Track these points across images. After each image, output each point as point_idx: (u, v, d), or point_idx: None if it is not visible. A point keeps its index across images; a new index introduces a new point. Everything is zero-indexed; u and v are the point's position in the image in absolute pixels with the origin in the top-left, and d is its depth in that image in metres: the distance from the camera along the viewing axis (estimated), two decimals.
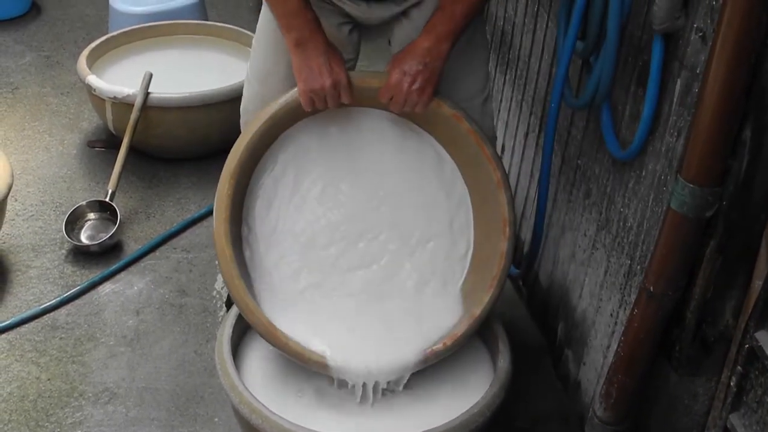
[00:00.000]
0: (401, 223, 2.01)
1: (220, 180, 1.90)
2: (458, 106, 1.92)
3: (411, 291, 1.99)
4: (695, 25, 1.57)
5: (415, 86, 1.84)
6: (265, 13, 2.00)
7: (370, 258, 2.00)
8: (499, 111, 2.89)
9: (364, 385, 1.89)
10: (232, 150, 1.91)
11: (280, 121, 1.93)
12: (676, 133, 1.66)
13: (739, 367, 1.57)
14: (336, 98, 1.86)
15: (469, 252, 2.03)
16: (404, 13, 1.95)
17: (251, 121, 1.94)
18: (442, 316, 1.96)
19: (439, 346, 1.91)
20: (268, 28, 2.00)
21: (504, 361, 1.94)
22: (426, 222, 2.01)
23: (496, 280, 1.92)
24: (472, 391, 1.91)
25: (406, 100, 1.86)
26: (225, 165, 1.90)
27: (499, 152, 2.33)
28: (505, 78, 2.84)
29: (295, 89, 1.88)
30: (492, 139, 2.06)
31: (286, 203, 1.99)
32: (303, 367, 1.92)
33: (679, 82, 1.64)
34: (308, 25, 1.83)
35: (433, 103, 1.89)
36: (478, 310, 1.92)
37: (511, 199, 1.94)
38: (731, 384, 1.60)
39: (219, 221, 1.88)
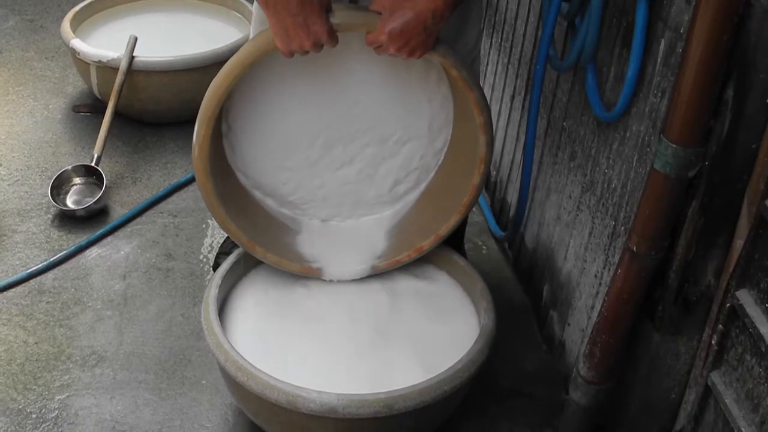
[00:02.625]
0: (381, 128, 2.01)
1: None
2: (448, 52, 1.80)
3: (385, 192, 2.11)
4: None
5: (407, 48, 1.70)
6: None
7: (348, 160, 2.05)
8: (485, 74, 2.88)
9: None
10: (207, 95, 1.84)
11: (258, 62, 1.83)
12: (659, 94, 1.67)
13: (720, 326, 1.59)
14: (319, 50, 1.72)
15: (445, 147, 2.08)
16: None
17: (226, 67, 1.82)
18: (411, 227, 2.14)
19: (404, 256, 2.11)
20: None
21: (488, 318, 1.96)
22: (406, 126, 2.01)
23: (465, 207, 2.05)
24: (457, 347, 1.92)
25: (391, 54, 1.74)
26: (202, 106, 1.85)
27: None
28: (491, 41, 2.84)
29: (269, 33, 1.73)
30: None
31: (269, 105, 1.96)
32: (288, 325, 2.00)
33: (663, 42, 1.64)
34: None
35: None
36: (443, 231, 2.08)
37: (491, 141, 1.94)
38: (712, 342, 1.62)
39: (200, 149, 1.88)
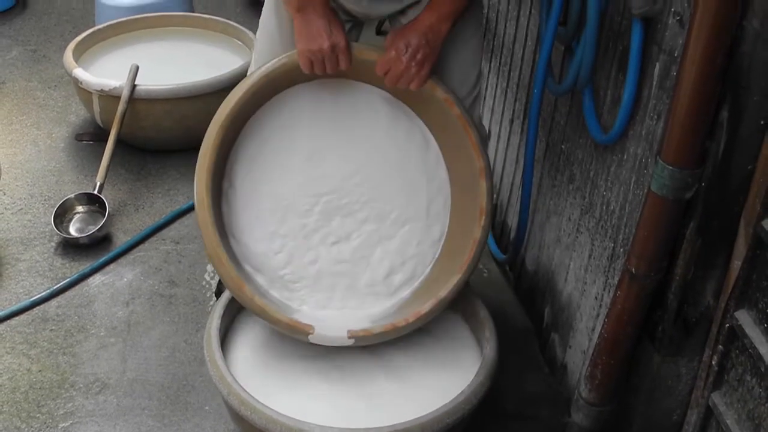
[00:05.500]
0: (380, 202, 2.02)
1: (208, 131, 1.89)
2: (451, 91, 1.91)
3: (380, 280, 2.04)
4: (673, 9, 1.59)
5: (414, 61, 1.84)
6: (268, 6, 2.01)
7: (345, 236, 2.03)
8: (484, 98, 2.90)
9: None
10: (224, 103, 1.90)
11: (277, 80, 1.92)
12: (655, 117, 1.68)
13: (720, 347, 1.60)
14: (334, 62, 1.85)
15: (442, 238, 2.05)
16: (401, 12, 1.95)
17: (247, 78, 1.92)
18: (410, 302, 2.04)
19: (401, 321, 1.95)
20: (269, 23, 2.00)
21: (490, 349, 1.96)
22: (404, 204, 2.03)
23: (466, 266, 1.96)
24: (459, 379, 1.92)
25: (403, 74, 1.85)
26: (215, 116, 1.89)
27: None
28: (490, 65, 2.86)
29: (295, 51, 1.87)
30: (480, 128, 2.05)
31: (271, 165, 1.99)
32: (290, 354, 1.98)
33: (657, 65, 1.66)
34: None
35: (427, 85, 1.88)
36: (444, 293, 1.96)
37: (491, 190, 1.95)
38: (713, 363, 1.62)
39: (202, 170, 1.89)
